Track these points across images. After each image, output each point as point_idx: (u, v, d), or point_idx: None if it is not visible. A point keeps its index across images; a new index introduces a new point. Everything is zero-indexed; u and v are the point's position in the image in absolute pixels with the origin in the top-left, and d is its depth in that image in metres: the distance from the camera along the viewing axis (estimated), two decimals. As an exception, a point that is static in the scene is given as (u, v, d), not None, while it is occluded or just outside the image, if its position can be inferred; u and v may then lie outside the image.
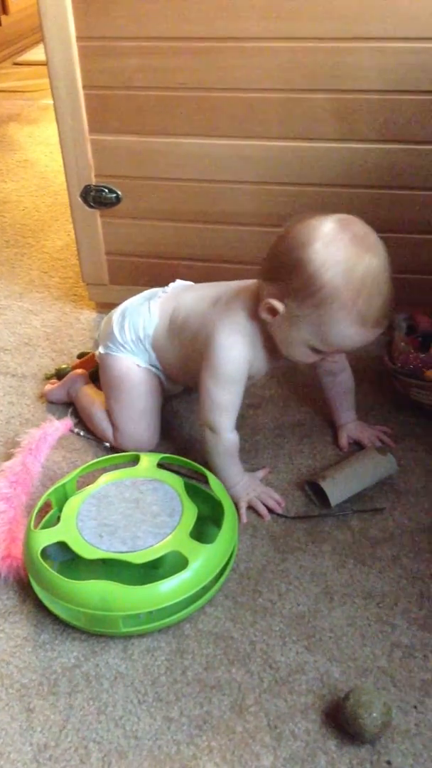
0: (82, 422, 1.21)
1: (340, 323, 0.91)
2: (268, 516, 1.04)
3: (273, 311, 0.96)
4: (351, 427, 1.17)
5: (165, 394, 1.20)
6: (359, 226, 0.93)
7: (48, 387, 1.29)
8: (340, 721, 0.78)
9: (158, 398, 1.16)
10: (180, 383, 1.20)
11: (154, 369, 1.15)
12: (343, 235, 0.90)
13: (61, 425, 1.18)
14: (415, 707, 0.81)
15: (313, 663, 0.86)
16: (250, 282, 1.05)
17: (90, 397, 1.21)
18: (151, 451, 1.14)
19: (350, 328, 0.92)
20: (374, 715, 0.76)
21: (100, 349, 1.17)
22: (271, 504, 1.05)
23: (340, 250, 0.90)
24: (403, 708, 0.81)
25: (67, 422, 1.19)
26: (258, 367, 1.05)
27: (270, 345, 1.02)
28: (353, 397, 1.18)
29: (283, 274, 0.93)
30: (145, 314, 1.12)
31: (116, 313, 1.17)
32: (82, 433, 1.18)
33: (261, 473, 1.10)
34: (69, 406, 1.25)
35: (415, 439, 1.17)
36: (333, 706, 0.81)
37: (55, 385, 1.28)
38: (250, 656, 0.87)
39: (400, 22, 1.10)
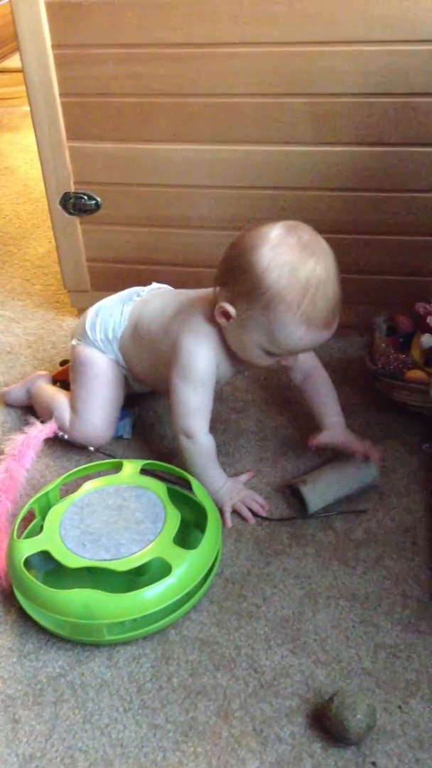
0: (36, 415, 1.21)
1: (288, 325, 0.93)
2: (252, 519, 1.04)
3: (226, 315, 0.99)
4: (336, 429, 1.10)
5: (130, 390, 1.21)
6: (306, 231, 0.95)
7: (6, 388, 1.29)
8: (326, 723, 0.79)
9: (121, 392, 1.18)
10: (147, 386, 1.21)
11: (121, 366, 1.17)
12: (289, 240, 0.93)
13: (45, 428, 1.17)
14: (400, 707, 0.82)
15: (298, 666, 0.86)
16: (210, 290, 1.06)
17: (50, 390, 1.22)
18: (101, 444, 1.16)
19: (297, 330, 0.94)
20: (359, 716, 0.76)
21: (73, 341, 1.19)
22: (256, 507, 1.05)
23: (285, 254, 0.92)
24: (387, 709, 0.81)
25: (52, 425, 1.17)
26: (223, 370, 1.07)
27: (230, 348, 1.04)
28: (334, 398, 1.12)
29: (233, 277, 0.97)
30: (116, 316, 1.14)
31: (91, 310, 1.19)
32: (66, 437, 1.17)
33: (244, 477, 1.11)
34: (28, 410, 1.24)
35: (397, 439, 1.17)
36: (318, 709, 0.81)
37: (15, 385, 1.28)
38: (236, 661, 0.87)
39: (373, 26, 1.11)
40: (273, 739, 0.80)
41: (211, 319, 1.03)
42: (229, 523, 1.04)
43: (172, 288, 1.21)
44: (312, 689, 0.84)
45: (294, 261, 0.92)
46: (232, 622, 0.91)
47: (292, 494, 1.07)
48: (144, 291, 1.18)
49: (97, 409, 1.15)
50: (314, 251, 0.93)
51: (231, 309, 0.98)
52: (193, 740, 0.80)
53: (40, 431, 1.16)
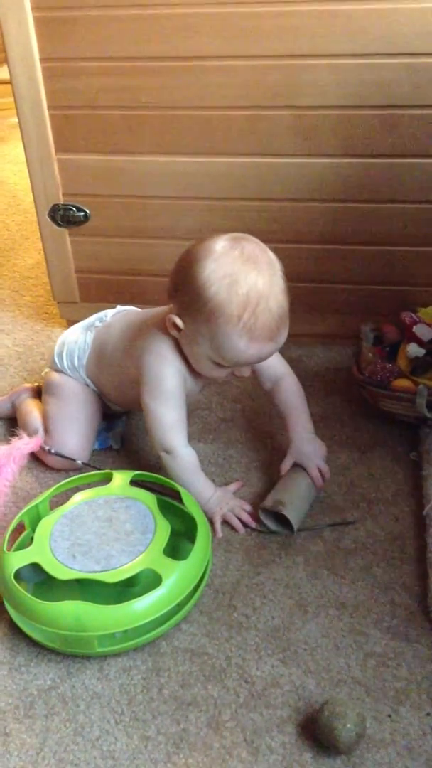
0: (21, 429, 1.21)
1: (230, 337, 0.94)
2: (242, 530, 1.05)
3: (177, 327, 1.00)
4: (297, 448, 1.09)
5: (109, 410, 1.22)
6: (251, 243, 0.96)
7: None
8: (316, 733, 0.79)
9: (93, 412, 1.18)
10: (120, 407, 1.23)
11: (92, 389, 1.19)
12: (232, 252, 0.94)
13: (31, 441, 1.15)
14: (390, 716, 0.82)
15: (289, 676, 0.87)
16: (167, 306, 1.08)
17: (31, 406, 1.23)
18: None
19: (240, 342, 0.94)
20: (349, 726, 0.77)
21: (46, 369, 1.22)
22: (245, 518, 1.06)
23: (226, 266, 0.93)
24: (377, 717, 0.82)
25: (37, 439, 1.16)
26: (190, 383, 1.08)
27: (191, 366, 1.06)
28: (303, 405, 1.13)
29: (179, 290, 0.98)
30: (80, 344, 1.16)
31: (59, 339, 1.21)
32: (53, 450, 1.17)
33: (233, 487, 1.11)
34: (15, 422, 1.24)
35: (384, 448, 1.18)
36: (308, 719, 0.82)
37: (1, 398, 1.29)
38: (226, 671, 0.87)
39: (356, 40, 1.13)
40: (264, 749, 0.80)
41: (170, 342, 1.04)
42: (220, 533, 1.04)
43: (136, 308, 1.22)
44: (302, 699, 0.84)
45: (234, 274, 0.92)
46: (223, 633, 0.92)
47: (268, 516, 1.05)
48: (108, 315, 1.19)
49: (70, 430, 1.15)
50: (257, 263, 0.94)
51: (179, 321, 0.99)
52: (185, 752, 0.80)
53: (25, 444, 1.15)
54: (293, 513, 1.03)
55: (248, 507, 1.07)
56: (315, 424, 1.23)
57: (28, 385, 1.29)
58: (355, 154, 1.22)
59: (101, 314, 1.20)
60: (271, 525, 1.05)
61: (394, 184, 1.24)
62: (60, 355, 1.18)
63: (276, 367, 1.13)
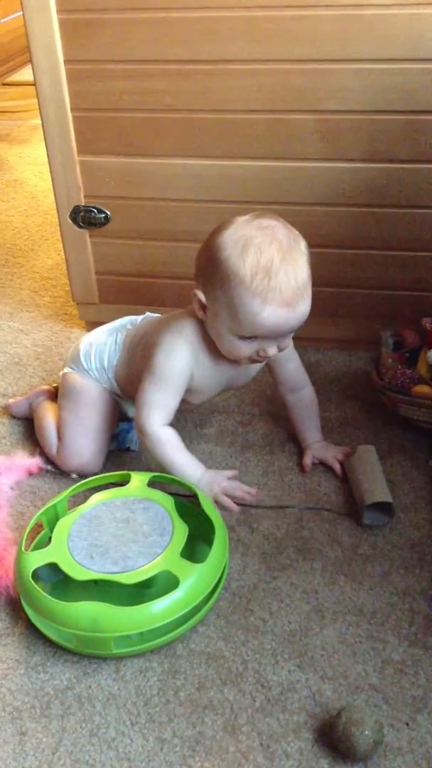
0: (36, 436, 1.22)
1: (243, 299, 0.93)
2: (236, 509, 1.05)
3: (203, 306, 1.00)
4: (316, 447, 1.16)
5: (124, 417, 1.22)
6: (271, 218, 0.97)
7: (12, 400, 1.30)
8: (333, 739, 0.78)
9: (111, 422, 1.18)
10: None
11: (115, 395, 1.18)
12: (251, 222, 0.96)
13: (32, 462, 1.17)
14: (407, 724, 0.81)
15: (305, 681, 0.86)
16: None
17: (47, 410, 1.22)
18: (89, 474, 1.14)
19: (253, 304, 0.93)
20: (366, 732, 0.76)
21: (65, 369, 1.20)
22: (239, 494, 1.06)
23: (241, 231, 0.94)
24: (395, 725, 0.81)
25: (38, 461, 1.17)
26: (200, 380, 1.07)
27: (214, 353, 1.05)
28: (317, 416, 1.18)
29: (199, 265, 0.99)
30: (111, 346, 1.16)
31: (85, 341, 1.19)
32: (50, 468, 1.17)
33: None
34: (31, 422, 1.25)
35: (403, 454, 1.17)
36: (325, 725, 0.81)
37: (19, 398, 1.29)
38: (243, 675, 0.87)
39: (381, 45, 1.12)
40: (280, 754, 0.79)
41: (194, 324, 1.04)
42: (235, 508, 1.05)
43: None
44: (319, 705, 0.84)
45: (248, 237, 0.93)
46: (239, 637, 0.91)
47: (371, 510, 1.05)
48: (137, 320, 1.19)
49: (86, 438, 1.14)
50: (274, 230, 0.94)
51: (201, 295, 0.99)
52: (200, 755, 0.80)
53: (25, 462, 1.16)
54: (389, 497, 1.04)
55: (245, 486, 1.07)
56: (333, 429, 1.24)
57: (46, 387, 1.29)
58: (377, 159, 1.22)
59: (130, 318, 1.20)
60: (370, 519, 1.05)
61: (417, 189, 1.23)
62: (88, 356, 1.16)
63: (300, 375, 1.15)
